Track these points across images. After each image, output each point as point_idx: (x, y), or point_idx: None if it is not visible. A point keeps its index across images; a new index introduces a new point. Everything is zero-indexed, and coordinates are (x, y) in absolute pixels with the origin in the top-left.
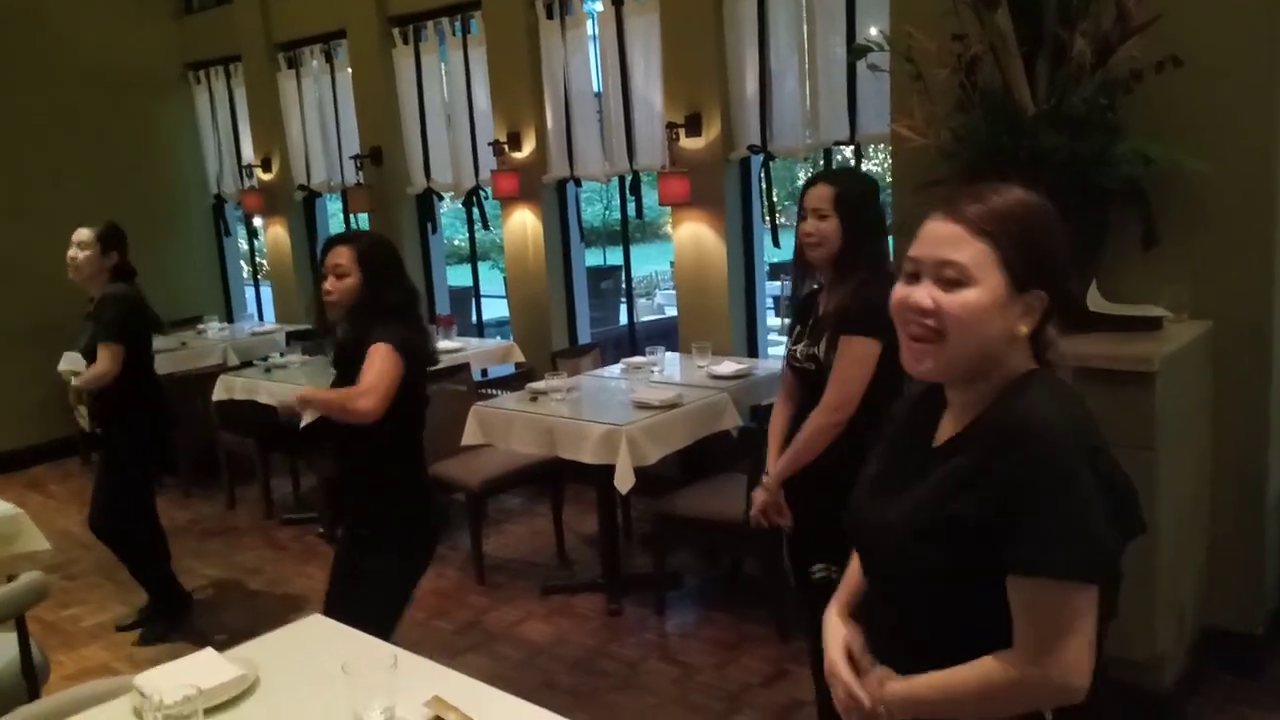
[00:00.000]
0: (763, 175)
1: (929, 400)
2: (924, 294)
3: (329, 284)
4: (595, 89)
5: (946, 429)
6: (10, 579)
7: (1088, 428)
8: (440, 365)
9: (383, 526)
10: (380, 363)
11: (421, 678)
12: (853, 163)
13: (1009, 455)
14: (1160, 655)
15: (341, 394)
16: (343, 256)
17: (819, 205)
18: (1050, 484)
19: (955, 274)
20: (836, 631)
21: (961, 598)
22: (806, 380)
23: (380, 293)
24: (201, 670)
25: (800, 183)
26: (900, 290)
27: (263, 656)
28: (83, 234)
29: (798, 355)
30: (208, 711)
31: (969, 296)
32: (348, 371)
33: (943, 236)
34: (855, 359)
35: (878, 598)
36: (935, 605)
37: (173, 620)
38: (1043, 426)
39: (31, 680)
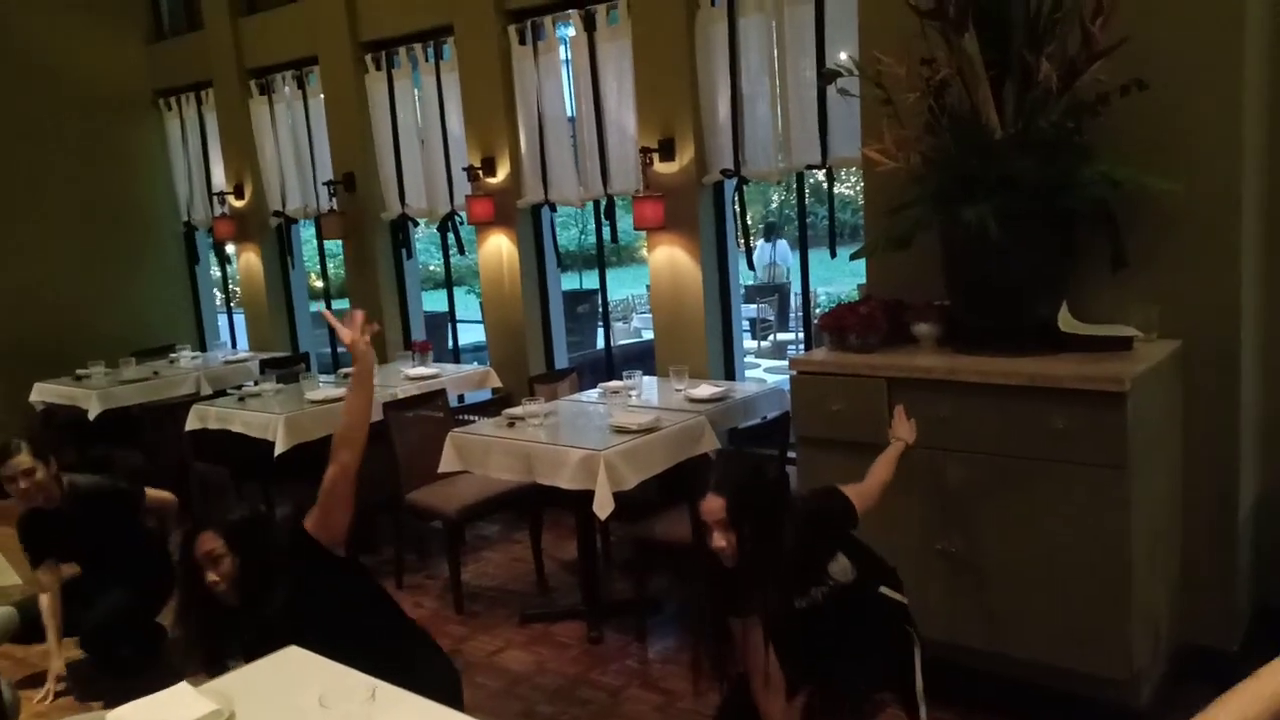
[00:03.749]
0: (736, 199)
1: None
2: None
3: (210, 576)
4: (569, 114)
5: None
6: None
7: None
8: (416, 392)
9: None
10: None
11: (400, 710)
12: (825, 186)
13: None
14: (1136, 673)
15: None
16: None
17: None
18: None
19: None
20: None
21: None
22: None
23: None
24: (176, 705)
25: (774, 205)
26: None
27: (238, 690)
28: (23, 461)
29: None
30: None
31: None
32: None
33: None
34: None
35: None
36: None
37: (151, 651)
38: None
39: (2, 717)
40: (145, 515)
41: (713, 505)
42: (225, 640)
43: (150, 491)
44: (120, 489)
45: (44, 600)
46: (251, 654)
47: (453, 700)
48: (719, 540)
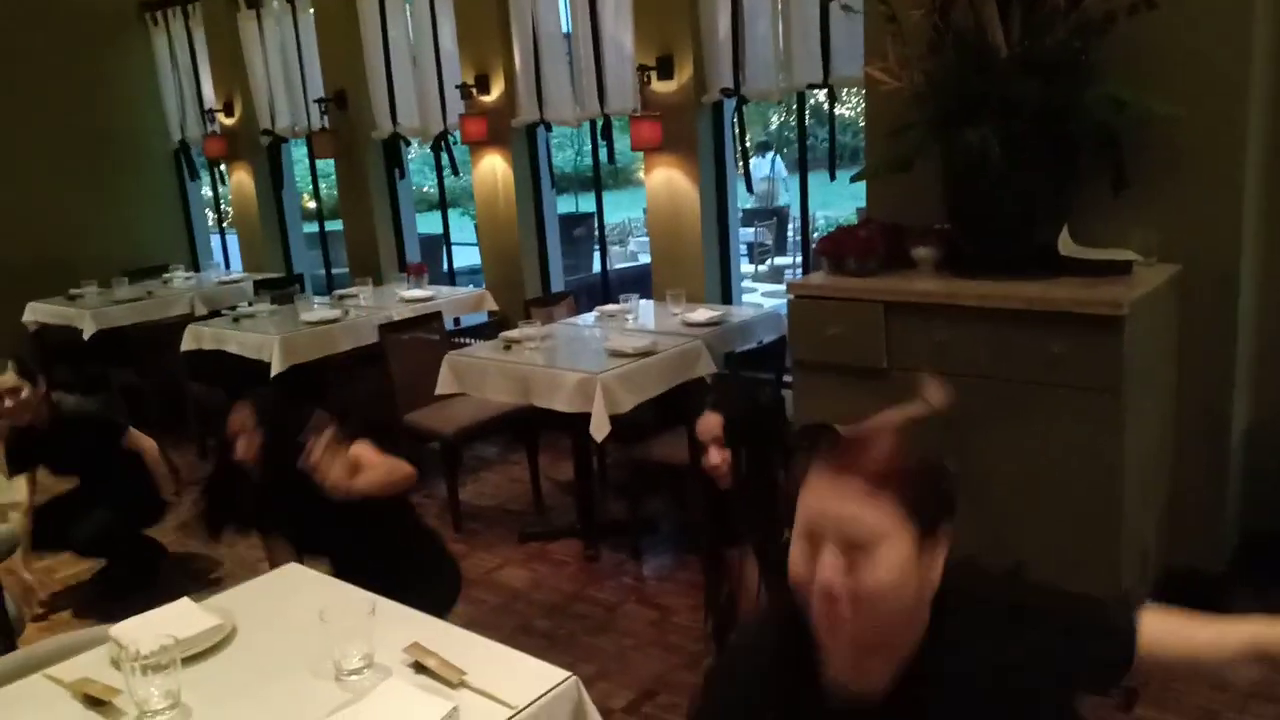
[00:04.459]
0: (736, 119)
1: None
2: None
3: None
4: (564, 30)
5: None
6: None
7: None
8: (411, 314)
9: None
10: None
11: (400, 624)
12: (826, 106)
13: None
14: (1124, 593)
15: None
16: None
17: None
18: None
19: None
20: None
21: None
22: None
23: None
24: (178, 620)
25: (773, 126)
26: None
27: (239, 605)
28: (7, 380)
29: None
30: (185, 661)
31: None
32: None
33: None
34: None
35: None
36: None
37: (150, 569)
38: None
39: (7, 632)
40: (128, 449)
41: (710, 422)
42: (244, 507)
43: (133, 432)
44: (102, 420)
45: (15, 515)
46: (265, 528)
47: (450, 595)
48: (714, 457)
